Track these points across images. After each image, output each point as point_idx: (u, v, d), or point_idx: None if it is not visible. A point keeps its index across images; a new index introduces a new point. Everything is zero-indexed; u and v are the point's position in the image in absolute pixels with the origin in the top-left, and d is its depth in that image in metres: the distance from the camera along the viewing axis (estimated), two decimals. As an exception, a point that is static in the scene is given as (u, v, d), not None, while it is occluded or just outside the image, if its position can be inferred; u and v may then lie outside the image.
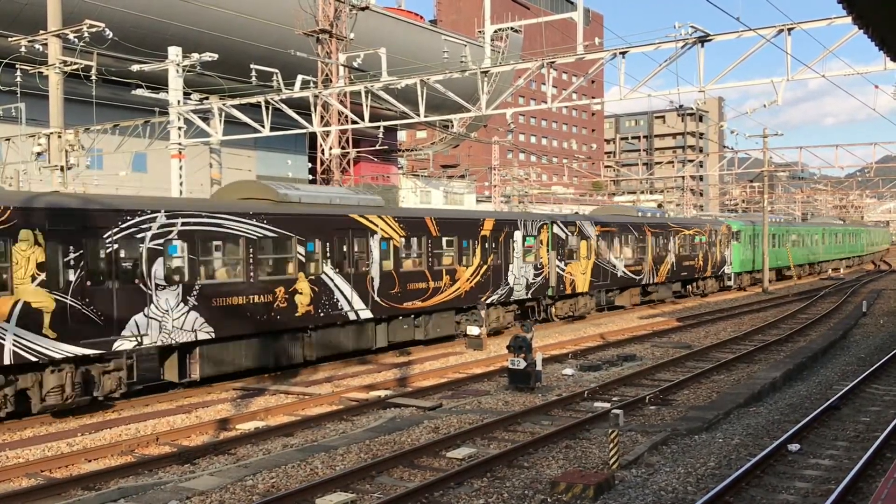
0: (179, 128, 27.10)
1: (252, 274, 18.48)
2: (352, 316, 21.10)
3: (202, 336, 17.41)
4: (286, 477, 11.31)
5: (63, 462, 12.53)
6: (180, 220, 17.11)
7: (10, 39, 24.71)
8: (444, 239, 24.40)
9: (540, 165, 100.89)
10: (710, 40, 19.87)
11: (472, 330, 24.25)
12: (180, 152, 27.21)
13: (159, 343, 16.69)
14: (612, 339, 26.01)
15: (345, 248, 20.97)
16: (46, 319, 14.72)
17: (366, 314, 21.47)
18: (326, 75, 33.30)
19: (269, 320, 18.84)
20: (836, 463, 11.91)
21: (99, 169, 34.50)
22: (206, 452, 12.94)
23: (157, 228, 16.66)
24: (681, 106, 24.95)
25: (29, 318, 14.47)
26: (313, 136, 37.49)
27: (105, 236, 15.71)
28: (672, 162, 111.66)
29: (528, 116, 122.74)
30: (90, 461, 12.73)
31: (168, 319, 16.76)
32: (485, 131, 73.53)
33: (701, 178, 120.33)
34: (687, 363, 21.31)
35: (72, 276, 15.11)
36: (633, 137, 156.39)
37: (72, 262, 15.15)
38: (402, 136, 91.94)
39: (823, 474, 11.36)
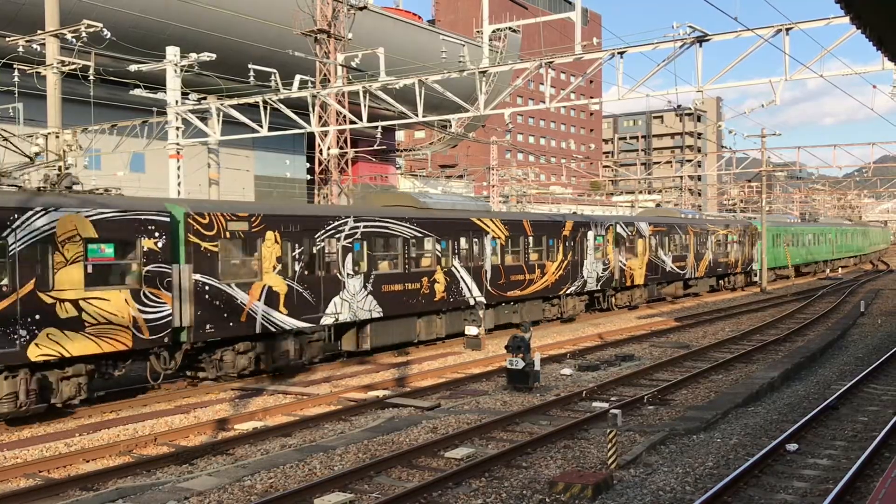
0: (177, 128, 27.08)
1: (407, 266, 23.10)
2: (471, 301, 25.44)
3: (375, 315, 21.98)
4: (284, 477, 11.31)
5: (61, 462, 12.52)
6: (362, 224, 21.67)
7: (7, 39, 24.68)
8: (537, 238, 28.80)
9: (538, 165, 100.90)
10: (708, 40, 19.88)
11: (471, 330, 24.27)
12: (178, 152, 27.20)
13: (349, 319, 21.25)
14: (611, 340, 26.02)
15: (466, 246, 25.41)
16: (281, 299, 19.29)
17: (481, 300, 25.72)
18: (324, 75, 33.28)
19: (417, 303, 23.40)
20: (835, 463, 11.92)
21: (97, 169, 34.45)
22: (204, 453, 12.93)
23: (348, 230, 21.23)
24: (679, 106, 24.97)
25: (271, 299, 19.01)
26: (311, 136, 37.46)
27: (316, 237, 20.34)
28: (670, 162, 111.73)
29: (526, 116, 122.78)
30: (88, 461, 12.72)
31: (355, 301, 21.39)
32: (483, 131, 73.57)
33: (699, 178, 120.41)
34: (685, 363, 21.32)
35: (297, 267, 19.69)
36: (631, 137, 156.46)
37: (296, 256, 19.74)
38: (400, 136, 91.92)
39: (821, 474, 11.36)
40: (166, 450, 13.26)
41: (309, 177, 55.06)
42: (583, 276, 31.04)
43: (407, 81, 23.52)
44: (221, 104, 26.80)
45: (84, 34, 22.55)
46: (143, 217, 16.46)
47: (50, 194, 15.64)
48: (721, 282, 45.95)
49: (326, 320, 20.47)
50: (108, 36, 22.95)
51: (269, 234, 19.01)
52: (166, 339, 16.75)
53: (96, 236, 15.67)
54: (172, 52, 26.84)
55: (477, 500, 10.43)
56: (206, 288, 17.60)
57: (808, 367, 20.43)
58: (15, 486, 11.53)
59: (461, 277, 24.95)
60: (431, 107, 27.59)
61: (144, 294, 16.36)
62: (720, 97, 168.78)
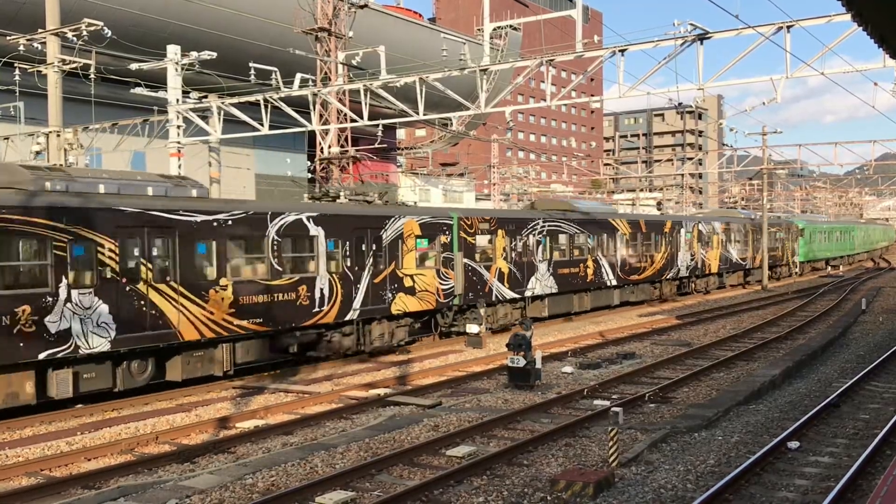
0: (178, 126, 27.07)
1: (571, 254, 30.85)
2: (608, 283, 33.16)
3: (552, 291, 29.50)
4: (286, 475, 11.31)
5: (63, 461, 12.53)
6: (547, 224, 29.51)
7: (8, 38, 24.68)
8: (648, 234, 36.39)
9: (539, 163, 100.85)
10: (709, 38, 19.85)
11: (472, 328, 24.27)
12: (179, 151, 27.18)
13: (538, 293, 28.82)
14: (612, 338, 26.02)
15: (606, 240, 33.03)
16: (505, 277, 26.97)
17: (613, 283, 33.43)
18: (325, 73, 33.27)
19: (577, 283, 31.18)
20: (836, 460, 11.91)
21: (98, 167, 34.47)
22: (205, 451, 12.94)
23: (539, 228, 28.95)
24: (680, 104, 24.98)
25: (500, 276, 26.75)
26: (312, 134, 37.47)
27: (523, 232, 28.04)
28: (671, 160, 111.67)
29: (527, 114, 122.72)
30: (90, 460, 12.73)
31: (542, 280, 28.91)
32: (484, 129, 73.51)
33: (700, 176, 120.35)
34: (686, 361, 21.31)
35: (513, 255, 27.38)
36: (632, 135, 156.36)
37: (513, 247, 27.47)
38: (401, 134, 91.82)
39: (823, 472, 11.36)
40: (168, 448, 13.27)
41: (310, 175, 55.07)
42: (677, 265, 39.05)
43: (408, 79, 23.50)
44: (222, 103, 26.79)
45: (85, 33, 22.55)
46: (440, 221, 24.29)
47: (393, 206, 23.69)
48: (771, 271, 52.68)
49: (527, 293, 28.23)
50: (109, 34, 22.94)
51: (500, 231, 26.97)
52: (451, 303, 24.62)
53: (421, 234, 23.51)
54: (173, 50, 26.82)
55: (478, 498, 10.43)
56: (469, 268, 25.36)
57: (809, 365, 20.42)
58: (17, 485, 11.54)
59: (602, 265, 32.68)
60: (432, 105, 27.59)
61: (440, 272, 24.17)
62: (721, 95, 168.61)
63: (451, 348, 24.14)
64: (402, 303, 22.62)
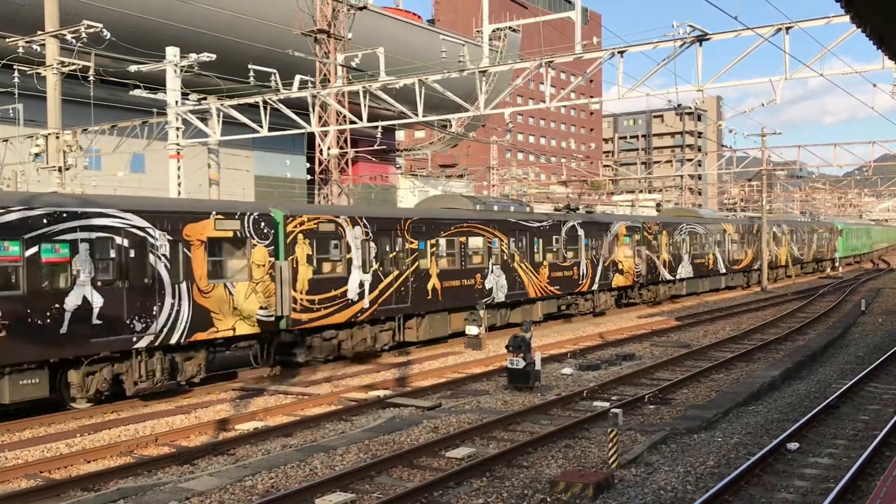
0: (177, 128, 27.07)
1: (702, 249, 41.24)
2: (720, 271, 44.02)
3: (690, 276, 39.97)
4: (285, 477, 11.31)
5: (62, 463, 12.52)
6: (687, 227, 39.64)
7: (7, 40, 24.67)
8: (743, 235, 46.93)
9: (538, 165, 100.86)
10: (708, 39, 19.86)
11: (472, 329, 24.23)
12: (178, 153, 27.19)
13: (682, 276, 39.32)
14: (611, 339, 26.02)
15: (720, 239, 43.06)
16: (666, 265, 36.84)
17: (723, 271, 44.17)
18: (324, 75, 33.28)
19: (703, 270, 41.33)
20: (836, 461, 11.91)
21: (97, 169, 34.43)
22: (205, 453, 12.93)
23: (683, 229, 37.64)
24: (679, 105, 24.95)
25: (664, 264, 36.90)
26: (311, 136, 37.46)
27: (675, 233, 38.22)
28: (670, 161, 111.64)
29: (526, 116, 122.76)
30: (89, 462, 12.72)
31: (685, 267, 39.55)
32: (483, 131, 73.51)
33: (699, 178, 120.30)
34: (686, 362, 21.31)
35: (671, 249, 37.29)
36: (631, 137, 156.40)
37: (670, 242, 37.65)
38: (400, 135, 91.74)
39: (822, 473, 11.36)
40: (167, 450, 13.27)
41: (309, 177, 55.04)
42: (762, 258, 48.33)
43: (407, 81, 23.50)
44: (221, 104, 26.79)
45: (84, 35, 22.55)
46: (635, 225, 35.28)
47: (613, 215, 35.11)
48: (817, 264, 64.32)
49: (678, 276, 38.96)
50: (108, 36, 22.96)
51: (664, 232, 37.35)
52: (640, 281, 35.49)
53: (626, 233, 33.48)
54: (172, 52, 26.82)
55: (478, 499, 10.43)
56: (649, 258, 36.15)
57: (808, 366, 20.42)
58: (16, 487, 11.53)
59: (718, 257, 43.75)
60: (431, 106, 27.57)
61: (635, 260, 34.85)
62: (720, 96, 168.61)
63: (450, 350, 24.13)
64: (617, 280, 33.63)
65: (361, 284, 21.41)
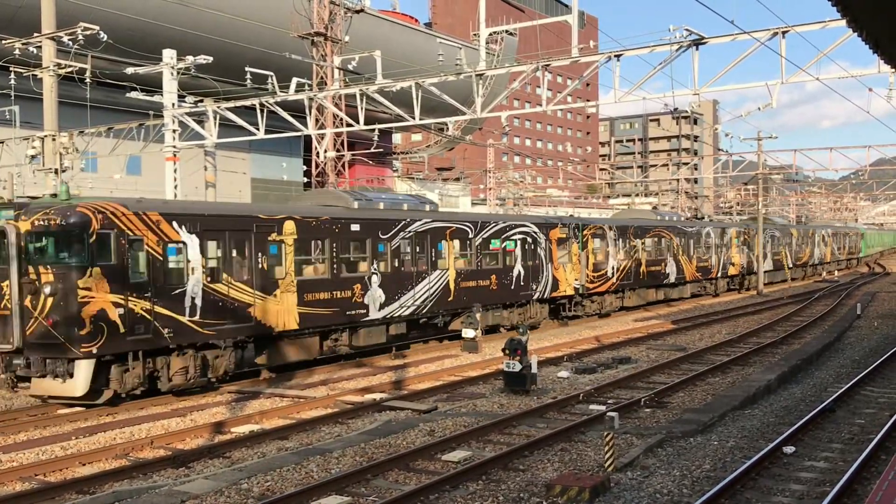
0: (174, 130, 27.07)
1: (776, 248, 52.22)
2: (786, 266, 54.05)
3: (770, 268, 50.25)
4: (281, 480, 11.29)
5: (57, 466, 12.49)
6: (768, 231, 50.40)
7: (4, 42, 24.65)
8: (803, 237, 58.78)
9: (535, 168, 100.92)
10: (704, 43, 19.90)
11: (468, 333, 24.20)
12: (175, 155, 27.19)
13: (766, 269, 49.13)
14: (607, 342, 26.02)
15: (788, 241, 54.49)
16: (756, 260, 49.01)
17: (790, 266, 53.59)
18: (321, 78, 33.27)
19: (778, 264, 52.39)
20: (831, 465, 11.92)
21: (93, 172, 34.40)
22: (200, 456, 12.91)
23: (767, 233, 47.44)
24: (675, 109, 24.99)
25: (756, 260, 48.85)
26: (308, 138, 37.47)
27: (724, 236, 46.58)
28: (667, 164, 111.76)
29: (522, 119, 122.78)
30: (84, 465, 12.68)
31: (768, 262, 50.62)
32: (480, 134, 73.53)
33: (695, 181, 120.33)
34: (682, 365, 21.32)
35: (764, 248, 49.59)
36: (627, 140, 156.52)
37: (765, 242, 49.70)
38: (397, 138, 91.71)
39: (818, 476, 11.37)
40: (163, 453, 13.24)
41: (305, 179, 55.02)
42: (814, 257, 62.07)
43: (404, 84, 23.52)
44: (218, 107, 26.78)
45: (81, 37, 22.54)
46: (723, 227, 45.34)
47: (702, 221, 44.49)
48: (849, 262, 79.44)
49: (762, 269, 48.32)
50: (105, 39, 22.95)
51: (756, 236, 46.57)
52: (726, 273, 45.37)
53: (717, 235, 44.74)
54: (169, 54, 26.82)
55: (474, 503, 10.42)
56: (743, 254, 47.41)
57: (804, 370, 20.44)
58: (11, 490, 11.49)
59: (786, 254, 55.14)
60: (428, 109, 27.59)
61: (721, 257, 44.48)
62: (717, 100, 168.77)
63: (446, 353, 24.12)
64: (730, 270, 45.33)
65: (612, 268, 33.82)
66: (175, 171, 27.09)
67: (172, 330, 16.84)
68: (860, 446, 12.76)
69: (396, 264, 22.91)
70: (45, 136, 24.01)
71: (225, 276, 18.04)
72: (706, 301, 42.01)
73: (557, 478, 10.93)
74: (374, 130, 26.95)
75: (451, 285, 24.95)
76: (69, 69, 23.34)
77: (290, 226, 19.72)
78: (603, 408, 15.78)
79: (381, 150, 49.20)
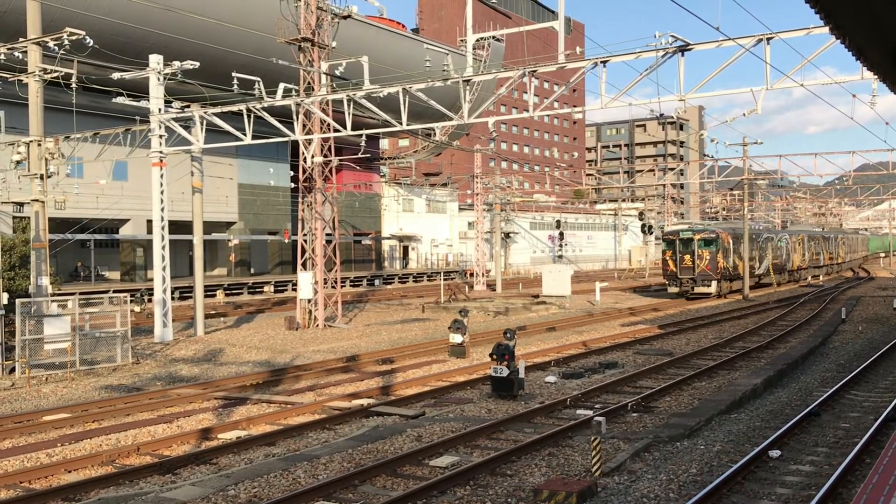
0: (160, 136, 26.99)
1: (802, 256, 68.51)
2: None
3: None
4: (268, 486, 11.26)
5: (43, 473, 12.41)
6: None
7: (-11, 47, 24.51)
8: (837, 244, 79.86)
9: (522, 174, 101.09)
10: (689, 49, 20.03)
11: (455, 338, 24.21)
12: (161, 160, 27.09)
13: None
14: (594, 347, 26.08)
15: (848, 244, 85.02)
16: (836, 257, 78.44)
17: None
18: (308, 83, 33.26)
19: (822, 269, 71.97)
20: (817, 469, 11.99)
21: (79, 177, 34.27)
22: (187, 462, 12.85)
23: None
24: (661, 115, 25.08)
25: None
26: (295, 143, 37.44)
27: (836, 238, 77.48)
28: (653, 170, 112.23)
29: (510, 125, 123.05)
30: (70, 472, 12.61)
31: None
32: (467, 139, 73.60)
33: (682, 187, 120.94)
34: (668, 370, 21.40)
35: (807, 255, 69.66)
36: (614, 146, 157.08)
37: (810, 248, 69.50)
38: (384, 144, 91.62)
39: (804, 480, 11.44)
40: (149, 460, 13.17)
41: (293, 185, 54.89)
42: (844, 260, 79.45)
43: (391, 90, 23.55)
44: (205, 112, 26.74)
45: (66, 42, 22.44)
46: (818, 233, 71.79)
47: (834, 230, 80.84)
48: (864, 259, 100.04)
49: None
50: (91, 44, 22.84)
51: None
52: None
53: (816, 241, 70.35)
54: (155, 60, 26.76)
55: (462, 508, 10.42)
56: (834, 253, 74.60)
57: (790, 374, 20.56)
58: (-5, 497, 11.42)
59: (833, 254, 76.38)
60: (415, 115, 27.64)
61: (814, 260, 69.64)
62: (703, 106, 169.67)
63: (434, 358, 24.13)
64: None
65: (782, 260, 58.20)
66: (161, 176, 26.99)
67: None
68: (845, 450, 12.84)
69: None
70: (31, 141, 23.90)
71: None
72: (693, 306, 42.17)
73: (545, 483, 10.95)
74: (361, 136, 26.91)
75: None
76: (55, 74, 23.25)
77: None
78: (590, 412, 15.81)
79: (369, 155, 49.19)
